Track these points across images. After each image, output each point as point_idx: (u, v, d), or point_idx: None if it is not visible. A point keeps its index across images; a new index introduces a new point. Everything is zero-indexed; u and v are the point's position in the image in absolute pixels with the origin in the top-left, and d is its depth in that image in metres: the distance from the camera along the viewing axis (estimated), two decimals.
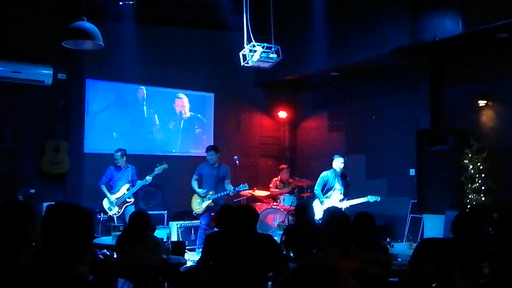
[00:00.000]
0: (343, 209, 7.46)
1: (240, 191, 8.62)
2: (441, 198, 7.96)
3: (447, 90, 8.74)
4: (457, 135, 8.19)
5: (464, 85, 8.51)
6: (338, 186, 8.09)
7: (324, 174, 8.12)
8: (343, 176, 8.17)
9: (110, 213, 8.18)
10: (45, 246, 2.07)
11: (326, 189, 8.07)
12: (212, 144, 10.75)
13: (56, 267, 1.99)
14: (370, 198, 7.95)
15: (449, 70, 8.78)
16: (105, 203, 8.25)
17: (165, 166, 8.42)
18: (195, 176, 8.58)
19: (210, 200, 8.30)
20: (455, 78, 8.67)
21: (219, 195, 8.32)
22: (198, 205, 8.43)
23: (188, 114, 10.77)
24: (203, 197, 8.39)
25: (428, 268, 3.19)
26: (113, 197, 8.23)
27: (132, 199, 8.37)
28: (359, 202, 7.95)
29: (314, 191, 8.15)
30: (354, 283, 2.47)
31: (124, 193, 8.27)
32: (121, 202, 8.25)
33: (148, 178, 8.29)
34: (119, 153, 8.39)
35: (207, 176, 8.51)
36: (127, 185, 8.31)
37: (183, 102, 10.71)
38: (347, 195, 8.11)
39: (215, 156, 8.50)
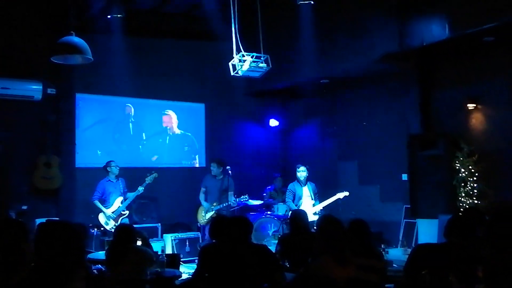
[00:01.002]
0: (317, 212, 8.16)
1: (242, 202, 8.68)
2: (434, 202, 7.98)
3: (436, 94, 8.80)
4: (447, 139, 8.24)
5: (453, 89, 8.57)
6: (306, 193, 8.47)
7: (290, 185, 8.63)
8: (308, 183, 8.53)
9: (107, 227, 8.13)
10: (37, 264, 2.04)
11: (296, 198, 8.46)
12: (204, 155, 10.77)
13: (49, 285, 1.96)
14: (340, 195, 8.40)
15: (438, 74, 8.84)
16: (101, 218, 8.19)
17: (155, 175, 8.45)
18: (202, 189, 8.73)
19: (213, 211, 8.39)
20: (443, 82, 8.73)
21: (221, 206, 8.42)
22: (203, 216, 8.59)
23: (176, 130, 10.72)
24: (206, 211, 8.54)
25: (423, 274, 3.20)
26: (109, 211, 8.19)
27: (127, 212, 8.36)
28: (330, 202, 8.42)
29: (286, 203, 8.64)
30: None
31: (119, 206, 8.24)
32: (117, 216, 8.21)
33: (141, 188, 8.30)
34: (115, 163, 8.38)
35: (211, 188, 8.67)
36: (120, 198, 8.29)
37: (170, 118, 10.68)
38: (317, 200, 8.48)
39: (216, 168, 8.64)
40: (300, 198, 8.42)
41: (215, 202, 8.51)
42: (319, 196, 8.55)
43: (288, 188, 8.66)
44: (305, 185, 8.50)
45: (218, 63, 8.40)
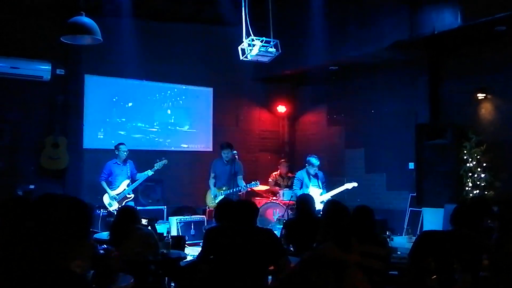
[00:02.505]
0: (324, 201, 7.88)
1: (252, 187, 8.70)
2: (440, 191, 7.98)
3: (446, 84, 8.75)
4: (455, 129, 8.21)
5: (462, 79, 8.51)
6: (314, 183, 8.46)
7: (298, 174, 8.64)
8: (318, 173, 8.48)
9: (111, 208, 8.19)
10: (35, 240, 1.89)
11: (304, 186, 8.46)
12: (211, 139, 10.75)
13: (47, 263, 1.88)
14: (348, 185, 8.33)
15: (448, 63, 8.78)
16: (106, 199, 8.26)
17: (165, 161, 8.45)
18: (212, 174, 8.73)
19: (223, 196, 8.31)
20: (453, 71, 8.67)
21: (231, 191, 8.38)
22: (212, 200, 8.59)
23: (183, 109, 10.72)
24: (214, 195, 8.54)
25: (427, 261, 3.20)
26: (114, 193, 8.25)
27: (132, 195, 8.40)
28: (339, 191, 8.35)
29: (293, 191, 8.59)
30: (359, 274, 2.47)
31: (124, 189, 8.29)
32: (121, 198, 8.26)
33: (149, 172, 8.33)
34: (124, 146, 8.41)
35: (220, 173, 8.65)
36: (127, 181, 8.33)
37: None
38: (325, 189, 8.46)
39: (230, 153, 8.55)
40: (307, 186, 8.43)
41: (224, 187, 8.53)
42: (326, 184, 8.53)
43: (296, 176, 8.69)
44: (314, 176, 8.48)
45: (227, 47, 8.39)
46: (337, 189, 8.42)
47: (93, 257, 4.17)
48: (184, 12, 10.08)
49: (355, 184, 8.39)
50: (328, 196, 8.34)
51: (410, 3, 8.02)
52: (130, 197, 8.36)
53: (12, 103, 8.67)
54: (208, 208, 8.75)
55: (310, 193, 8.17)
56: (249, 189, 8.83)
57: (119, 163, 8.38)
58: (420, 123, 8.68)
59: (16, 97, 8.70)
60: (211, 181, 8.71)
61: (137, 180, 8.43)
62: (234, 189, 8.41)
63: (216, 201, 8.36)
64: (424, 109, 8.90)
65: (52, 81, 8.79)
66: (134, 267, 4.39)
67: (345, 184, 8.43)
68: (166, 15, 9.96)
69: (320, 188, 8.42)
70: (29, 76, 8.58)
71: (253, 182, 8.57)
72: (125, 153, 8.40)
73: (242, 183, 8.53)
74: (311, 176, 8.48)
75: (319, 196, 8.27)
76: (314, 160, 8.43)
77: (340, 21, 9.01)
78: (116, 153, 8.40)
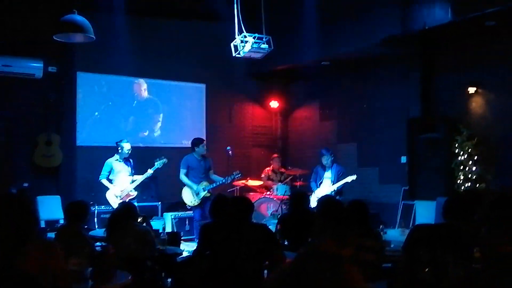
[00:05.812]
0: (332, 193, 8.22)
1: (235, 179, 8.63)
2: (432, 185, 8.07)
3: (438, 78, 8.82)
4: (447, 123, 8.30)
5: (454, 73, 8.59)
6: (328, 175, 8.67)
7: (315, 167, 8.91)
8: (334, 165, 8.72)
9: (115, 206, 7.89)
10: None
11: (318, 179, 8.73)
12: (204, 135, 10.71)
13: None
14: (348, 178, 8.44)
15: (439, 58, 8.85)
16: (110, 196, 7.89)
17: (164, 160, 8.13)
18: (184, 170, 8.35)
19: (206, 191, 8.24)
20: (445, 66, 8.75)
21: (214, 185, 8.31)
22: (193, 197, 8.31)
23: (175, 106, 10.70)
24: (197, 192, 8.28)
25: (420, 254, 3.25)
26: (117, 190, 7.88)
27: (135, 193, 8.07)
28: (341, 184, 8.47)
29: (310, 183, 8.91)
30: (355, 269, 2.50)
31: (127, 187, 8.03)
32: (124, 196, 7.94)
33: (150, 171, 8.06)
34: (126, 142, 8.10)
35: (196, 169, 8.37)
36: (129, 178, 8.04)
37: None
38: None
39: (206, 148, 8.48)
40: (321, 179, 8.69)
41: (204, 182, 8.31)
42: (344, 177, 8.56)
43: (313, 170, 8.95)
44: (329, 168, 8.67)
45: (220, 44, 8.40)
46: (338, 182, 8.47)
47: (90, 254, 4.20)
48: (177, 8, 10.07)
49: (354, 177, 8.41)
50: (334, 187, 8.49)
51: None
52: (133, 195, 8.07)
53: (6, 101, 8.64)
54: (189, 207, 8.48)
55: (322, 186, 8.60)
56: (234, 182, 8.94)
57: (120, 160, 8.09)
58: (412, 117, 8.76)
59: (9, 95, 8.67)
60: (185, 177, 8.33)
61: (136, 180, 8.17)
62: (218, 183, 8.31)
63: (199, 198, 8.25)
64: (416, 104, 8.97)
65: (44, 79, 8.76)
66: (131, 264, 4.42)
67: (346, 178, 8.45)
68: (159, 11, 9.94)
69: (331, 182, 8.57)
70: (22, 74, 8.55)
71: (234, 173, 8.48)
72: (128, 151, 8.06)
73: (218, 177, 8.41)
74: (326, 168, 8.69)
75: (328, 187, 8.51)
76: (322, 151, 8.73)
77: (332, 17, 9.05)
78: (119, 150, 8.00)
